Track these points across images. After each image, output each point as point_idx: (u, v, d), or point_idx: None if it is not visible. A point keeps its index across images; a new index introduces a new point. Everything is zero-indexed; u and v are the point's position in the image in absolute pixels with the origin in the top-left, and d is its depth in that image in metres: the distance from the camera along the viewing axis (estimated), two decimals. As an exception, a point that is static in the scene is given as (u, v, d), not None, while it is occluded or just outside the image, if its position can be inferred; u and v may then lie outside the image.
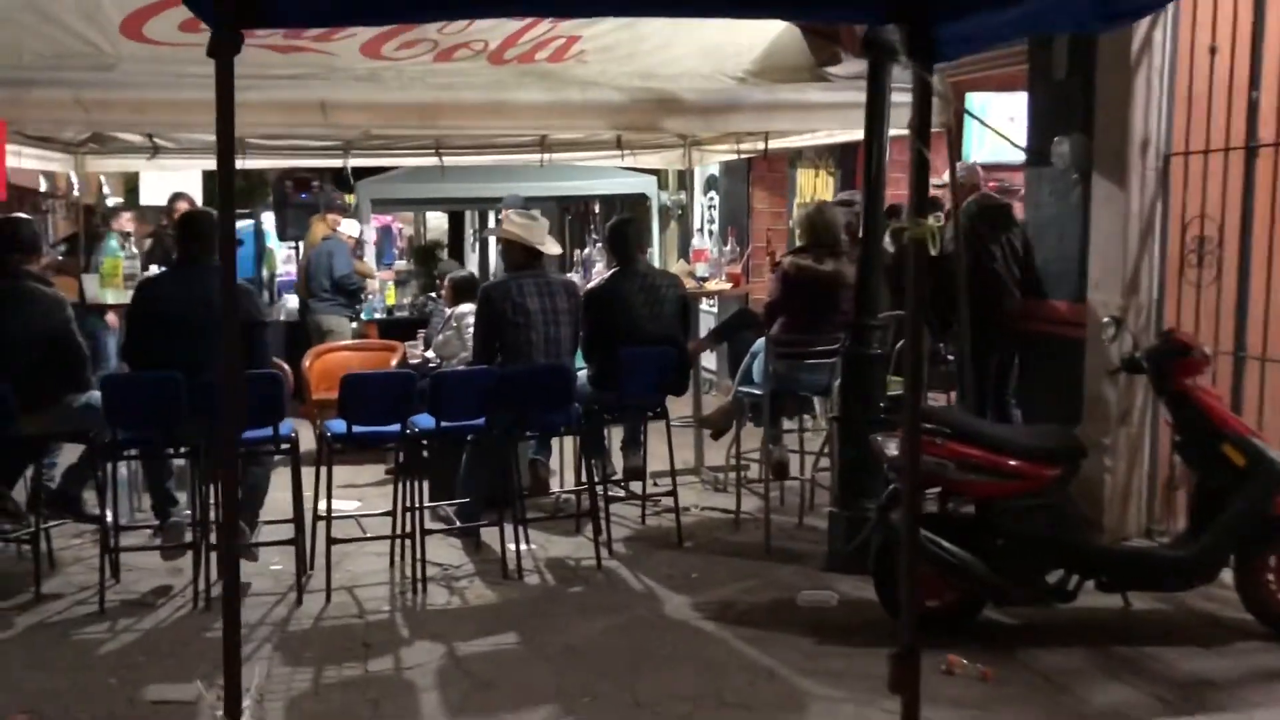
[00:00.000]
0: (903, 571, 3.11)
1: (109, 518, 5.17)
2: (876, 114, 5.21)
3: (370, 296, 9.33)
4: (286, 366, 7.46)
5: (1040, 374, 6.23)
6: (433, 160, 7.94)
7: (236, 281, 5.18)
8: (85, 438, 5.25)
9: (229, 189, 2.70)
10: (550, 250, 5.85)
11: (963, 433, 4.47)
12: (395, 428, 5.18)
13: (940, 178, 6.33)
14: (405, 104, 5.44)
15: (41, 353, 5.11)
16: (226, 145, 2.64)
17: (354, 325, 9.11)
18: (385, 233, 18.91)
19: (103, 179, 13.87)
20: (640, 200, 12.25)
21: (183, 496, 5.52)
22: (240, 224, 16.53)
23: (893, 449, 4.51)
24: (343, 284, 8.95)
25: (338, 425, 5.20)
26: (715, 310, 10.13)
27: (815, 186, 9.64)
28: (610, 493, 6.10)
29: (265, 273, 11.83)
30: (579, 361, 5.97)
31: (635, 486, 6.28)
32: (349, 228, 9.45)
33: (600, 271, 7.12)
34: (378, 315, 9.22)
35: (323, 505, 5.23)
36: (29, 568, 5.19)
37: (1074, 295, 5.90)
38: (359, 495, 6.73)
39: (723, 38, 5.93)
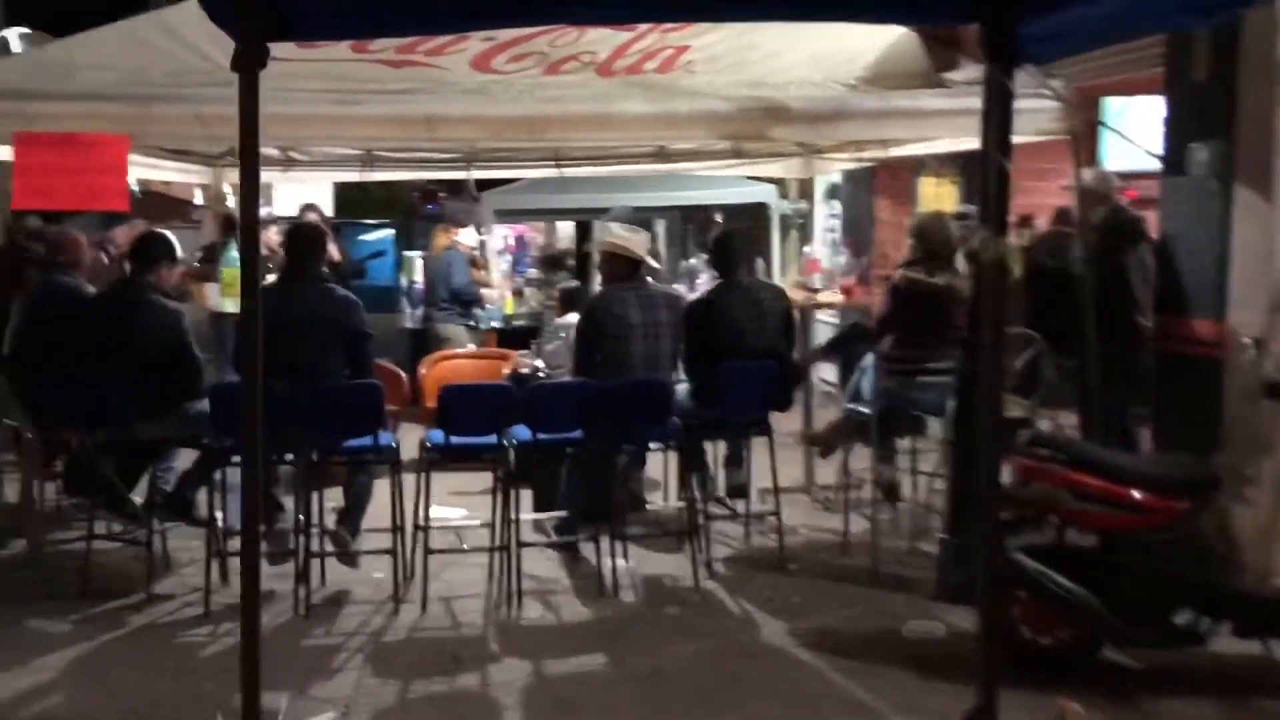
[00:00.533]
0: (981, 620, 2.89)
1: (219, 522, 5.29)
2: (994, 119, 4.94)
3: (489, 306, 9.40)
4: (404, 374, 7.60)
5: (1174, 398, 5.84)
6: (552, 171, 8.02)
7: (342, 294, 5.42)
8: (199, 443, 5.38)
9: (253, 203, 2.67)
10: (651, 263, 5.74)
11: (1080, 459, 4.20)
12: (492, 439, 5.17)
13: (1066, 183, 6.00)
14: (512, 117, 5.42)
15: (159, 361, 5.27)
16: (251, 162, 2.62)
17: (473, 334, 9.20)
18: (520, 241, 19.18)
19: (228, 189, 14.33)
20: (761, 209, 12.06)
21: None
22: (382, 234, 17.06)
23: (1005, 475, 4.26)
24: (460, 294, 9.05)
25: (436, 435, 5.23)
26: (838, 322, 9.89)
27: (938, 196, 9.31)
28: (713, 511, 5.98)
29: (405, 281, 12.09)
30: (681, 375, 5.90)
31: (739, 505, 6.14)
32: (466, 238, 9.55)
33: (705, 283, 7.00)
34: (496, 324, 9.29)
35: (428, 514, 5.25)
36: (145, 568, 5.34)
37: (1212, 314, 5.51)
38: (469, 503, 6.74)
39: (834, 45, 5.75)
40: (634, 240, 5.67)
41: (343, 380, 5.20)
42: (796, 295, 7.05)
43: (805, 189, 11.09)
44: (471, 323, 9.14)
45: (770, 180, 10.56)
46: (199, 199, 19.37)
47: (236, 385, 5.18)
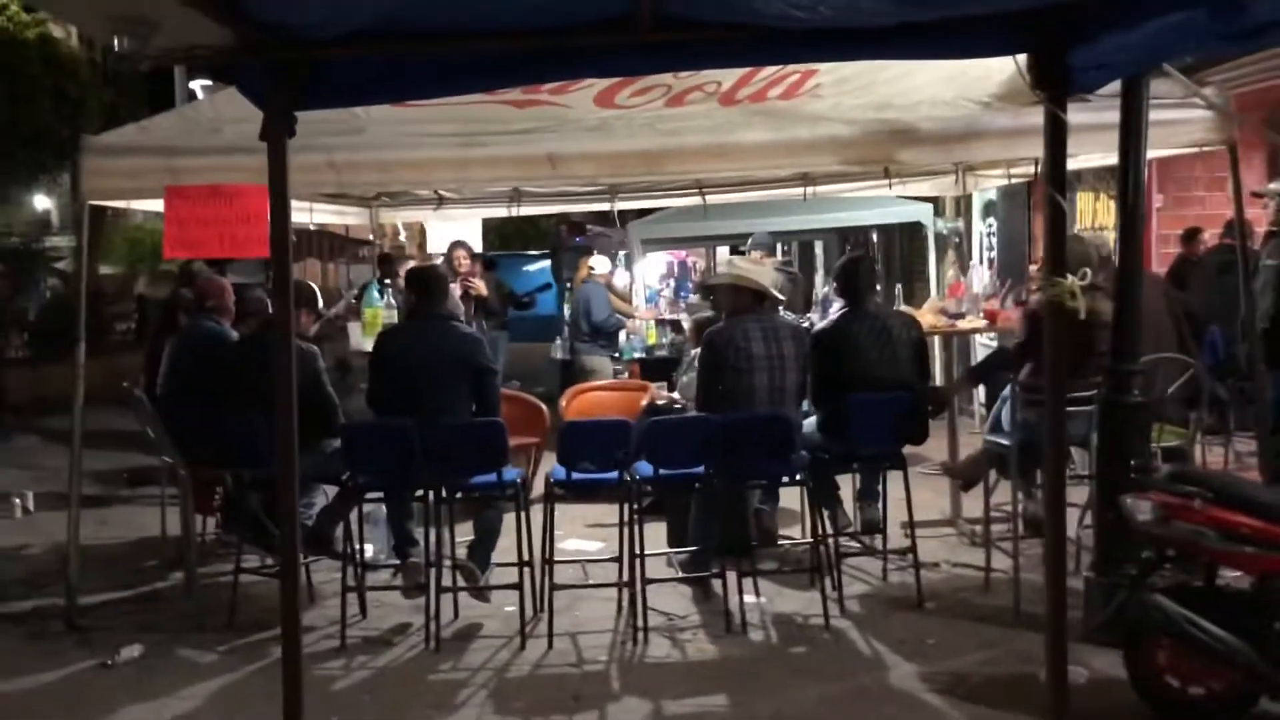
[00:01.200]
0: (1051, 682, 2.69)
1: (357, 556, 5.44)
2: (1132, 133, 4.68)
3: (632, 335, 9.44)
4: (544, 406, 7.69)
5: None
6: (695, 200, 8.04)
7: (465, 331, 5.52)
8: (338, 479, 5.56)
9: (284, 268, 2.73)
10: (775, 294, 5.66)
11: (1229, 496, 3.87)
12: (613, 475, 5.18)
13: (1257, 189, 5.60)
14: (629, 152, 5.46)
15: (298, 401, 5.44)
16: (281, 229, 2.68)
17: (618, 364, 9.26)
18: (683, 267, 19.31)
19: (400, 226, 14.94)
20: (916, 229, 11.75)
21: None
22: (541, 265, 17.47)
23: (1144, 512, 3.99)
24: (600, 327, 9.12)
25: (559, 471, 5.27)
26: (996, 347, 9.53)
27: (1096, 211, 8.85)
28: (848, 546, 5.84)
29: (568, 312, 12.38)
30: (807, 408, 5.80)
31: (874, 540, 5.95)
32: (601, 267, 9.63)
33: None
34: (638, 355, 9.31)
35: (561, 547, 5.30)
36: (289, 600, 5.54)
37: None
38: (608, 535, 6.75)
39: (966, 63, 5.53)
40: (757, 271, 5.61)
41: (469, 417, 5.30)
42: (935, 321, 6.80)
43: (963, 206, 10.82)
44: (615, 353, 9.20)
45: (926, 199, 10.32)
46: (402, 235, 20.16)
47: (366, 425, 5.34)
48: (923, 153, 5.56)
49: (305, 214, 8.03)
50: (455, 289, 7.68)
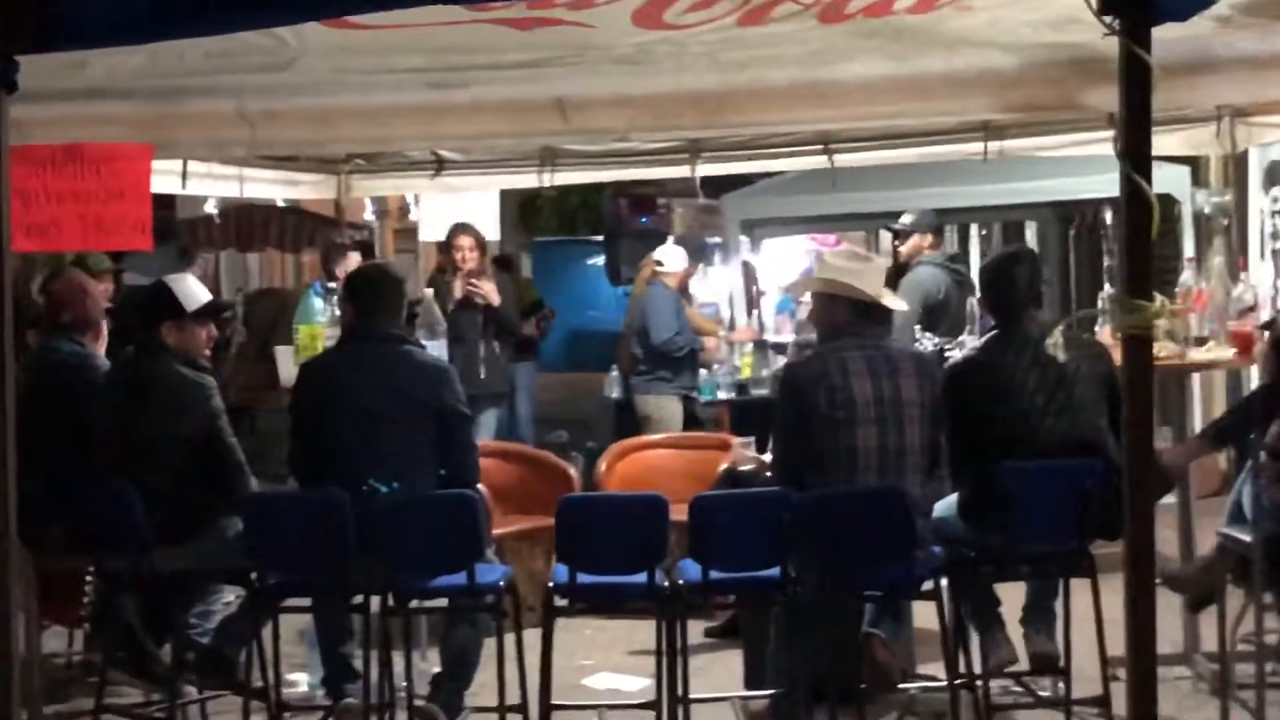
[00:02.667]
0: None
1: (272, 692, 5.52)
2: None
3: (716, 365, 9.43)
4: (574, 473, 7.73)
5: None
6: (819, 161, 8.03)
7: (427, 360, 5.58)
8: (246, 578, 5.63)
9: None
10: (891, 304, 5.66)
11: None
12: (641, 578, 5.20)
13: None
14: (674, 95, 5.49)
15: (184, 461, 5.57)
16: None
17: (692, 408, 9.27)
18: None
19: (413, 202, 15.24)
20: (1167, 203, 11.50)
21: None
22: (592, 261, 17.51)
23: None
24: (664, 349, 9.12)
25: (560, 572, 5.31)
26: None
27: None
28: (1007, 692, 5.83)
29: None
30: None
31: (1047, 685, 5.93)
32: (670, 260, 9.57)
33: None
34: (724, 395, 9.29)
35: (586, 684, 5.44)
36: (173, 753, 5.64)
37: None
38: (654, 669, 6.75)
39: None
40: (859, 273, 5.55)
41: (432, 485, 5.39)
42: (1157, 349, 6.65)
43: (1232, 171, 10.57)
44: (686, 392, 9.18)
45: (1179, 160, 10.11)
46: (369, 212, 20.59)
47: (278, 498, 5.44)
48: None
49: (231, 186, 8.22)
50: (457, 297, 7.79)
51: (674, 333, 9.24)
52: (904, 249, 9.26)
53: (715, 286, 11.64)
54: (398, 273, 6.04)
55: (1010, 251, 6.18)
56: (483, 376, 8.66)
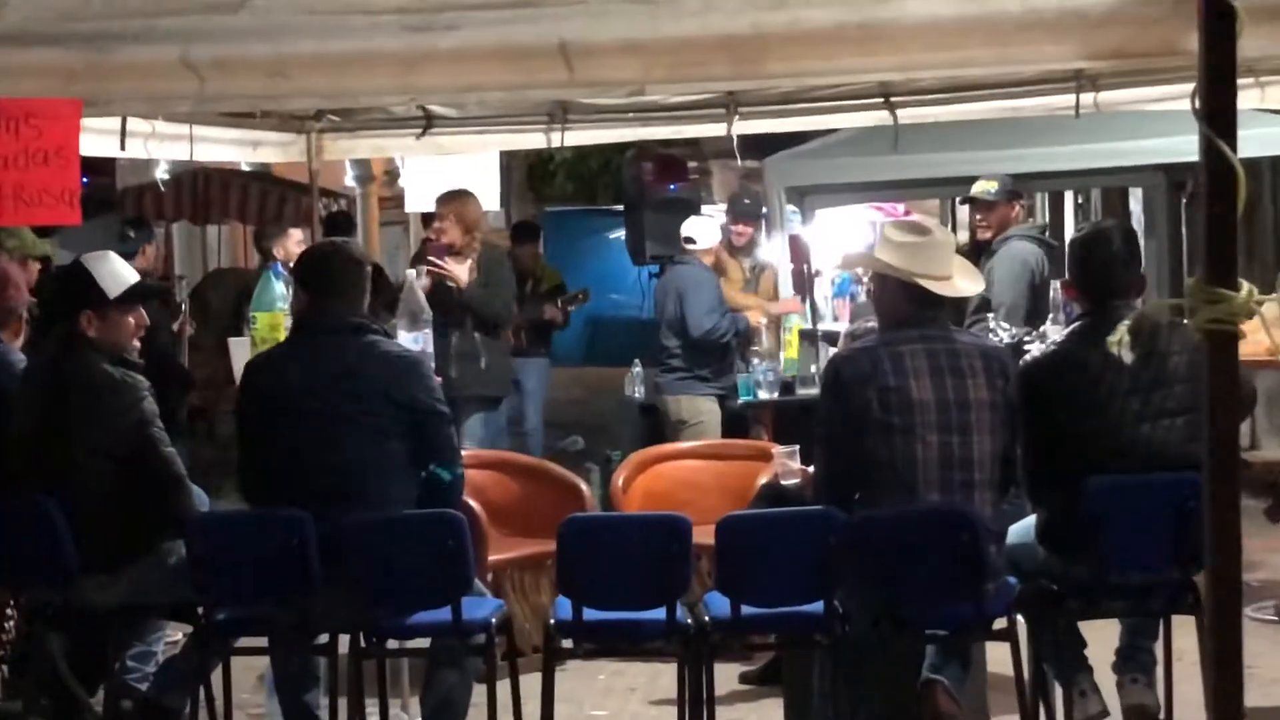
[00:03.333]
0: None
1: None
2: None
3: (758, 361, 9.42)
4: (586, 489, 7.77)
5: None
6: (880, 118, 8.06)
7: (392, 350, 5.62)
8: (191, 613, 5.67)
9: None
10: (963, 289, 5.67)
11: None
12: (659, 614, 5.21)
13: None
14: (699, 40, 5.46)
15: (115, 475, 5.60)
16: None
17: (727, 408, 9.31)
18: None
19: (400, 164, 15.32)
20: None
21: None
22: (615, 234, 17.46)
23: None
24: (701, 343, 9.13)
25: (563, 606, 5.36)
26: None
27: None
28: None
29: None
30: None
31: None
32: (701, 233, 9.55)
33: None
34: (765, 394, 9.27)
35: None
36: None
37: None
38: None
39: None
40: (922, 248, 5.54)
41: (408, 505, 5.41)
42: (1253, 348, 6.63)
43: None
44: (719, 390, 9.22)
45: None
46: (349, 178, 20.76)
47: (225, 519, 5.47)
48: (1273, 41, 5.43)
49: (180, 148, 8.25)
50: (422, 281, 7.80)
51: (713, 324, 9.21)
52: (990, 221, 9.17)
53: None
54: (358, 251, 6.02)
55: (1099, 226, 6.15)
56: (454, 375, 8.62)
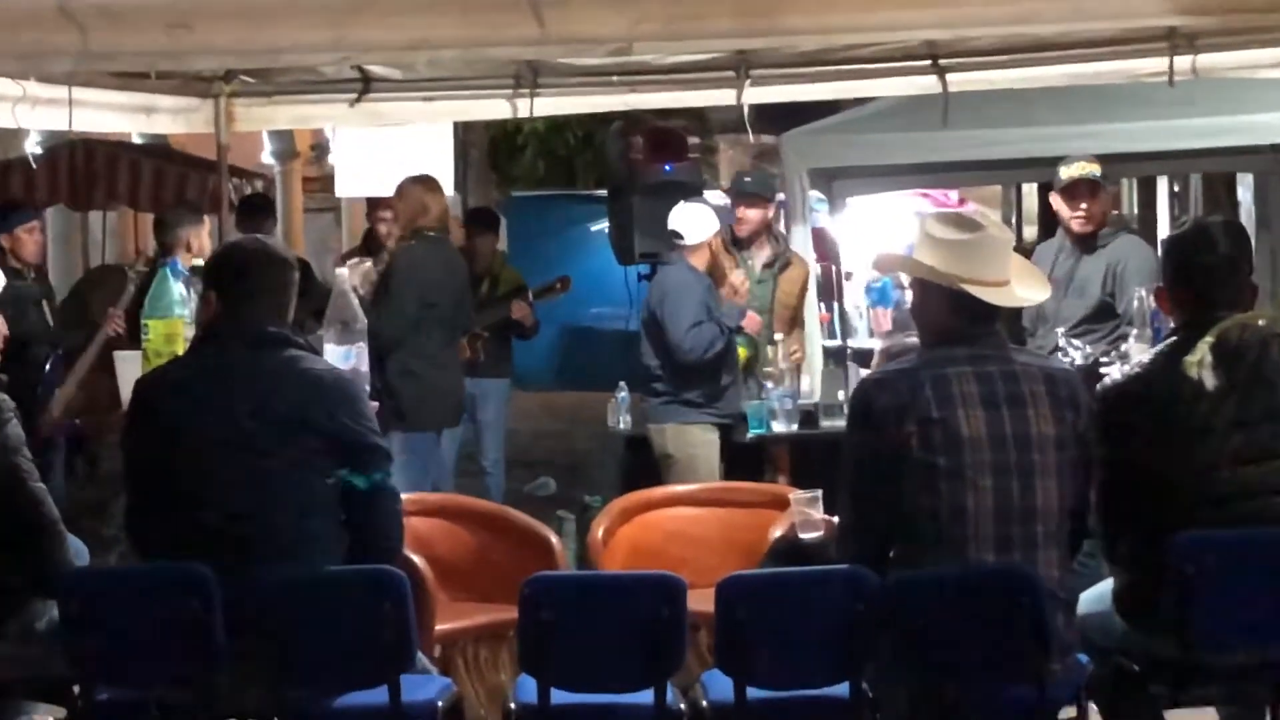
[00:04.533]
0: None
1: None
2: None
3: (771, 384, 9.45)
4: (556, 542, 7.81)
5: None
6: (926, 84, 8.17)
7: (317, 368, 5.65)
8: (65, 692, 5.68)
9: None
10: (1024, 297, 5.73)
11: None
12: (645, 697, 5.26)
13: None
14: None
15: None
16: None
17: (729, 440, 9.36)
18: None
19: (330, 137, 15.43)
20: None
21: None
22: (597, 225, 17.40)
23: None
24: (686, 360, 9.24)
25: (527, 687, 5.40)
26: None
27: None
28: None
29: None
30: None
31: None
32: (691, 225, 9.55)
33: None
34: (780, 426, 9.31)
35: None
36: None
37: None
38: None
39: None
40: (972, 247, 5.56)
41: (334, 559, 5.45)
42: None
43: None
44: (716, 417, 9.34)
45: None
46: (267, 154, 20.73)
47: (111, 576, 5.49)
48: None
49: (57, 115, 8.31)
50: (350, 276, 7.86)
51: (708, 341, 9.13)
52: (1093, 210, 9.04)
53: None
54: (282, 250, 6.02)
55: (1208, 219, 6.17)
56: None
